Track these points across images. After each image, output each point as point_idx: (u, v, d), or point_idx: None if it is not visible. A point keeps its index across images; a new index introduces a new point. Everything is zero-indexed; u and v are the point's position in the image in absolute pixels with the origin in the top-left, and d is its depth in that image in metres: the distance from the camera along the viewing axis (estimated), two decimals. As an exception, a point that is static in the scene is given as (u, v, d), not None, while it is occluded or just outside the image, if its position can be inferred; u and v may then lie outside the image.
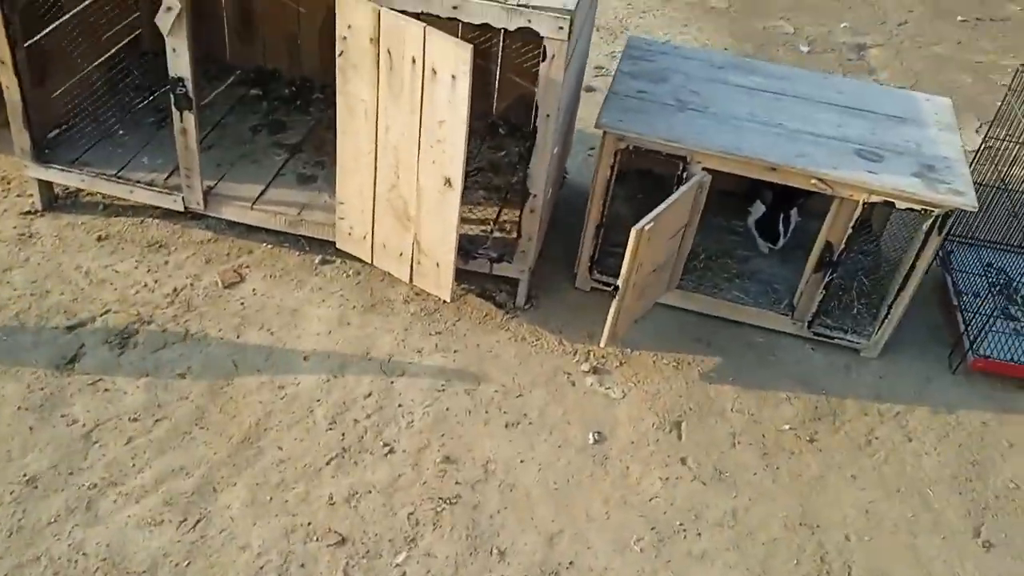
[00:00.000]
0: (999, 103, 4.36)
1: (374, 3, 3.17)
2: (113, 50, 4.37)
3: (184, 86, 3.55)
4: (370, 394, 3.60)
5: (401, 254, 3.76)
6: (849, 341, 4.02)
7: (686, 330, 4.09)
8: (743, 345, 4.05)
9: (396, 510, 3.19)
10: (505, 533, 3.18)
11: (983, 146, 4.39)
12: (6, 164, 4.34)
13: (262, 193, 4.13)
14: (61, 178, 4.05)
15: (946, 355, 4.11)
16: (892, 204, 3.53)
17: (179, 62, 3.50)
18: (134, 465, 3.24)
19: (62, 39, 3.95)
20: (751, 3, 7.10)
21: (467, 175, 4.30)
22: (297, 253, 4.20)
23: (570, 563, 3.12)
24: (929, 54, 6.80)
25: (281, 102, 4.73)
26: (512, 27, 3.18)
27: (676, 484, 3.42)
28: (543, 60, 3.24)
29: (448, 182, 3.36)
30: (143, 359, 3.62)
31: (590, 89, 5.57)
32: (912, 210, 3.53)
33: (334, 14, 3.23)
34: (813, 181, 3.55)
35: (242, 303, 3.92)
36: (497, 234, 4.07)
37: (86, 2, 4.03)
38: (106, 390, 3.49)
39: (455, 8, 3.17)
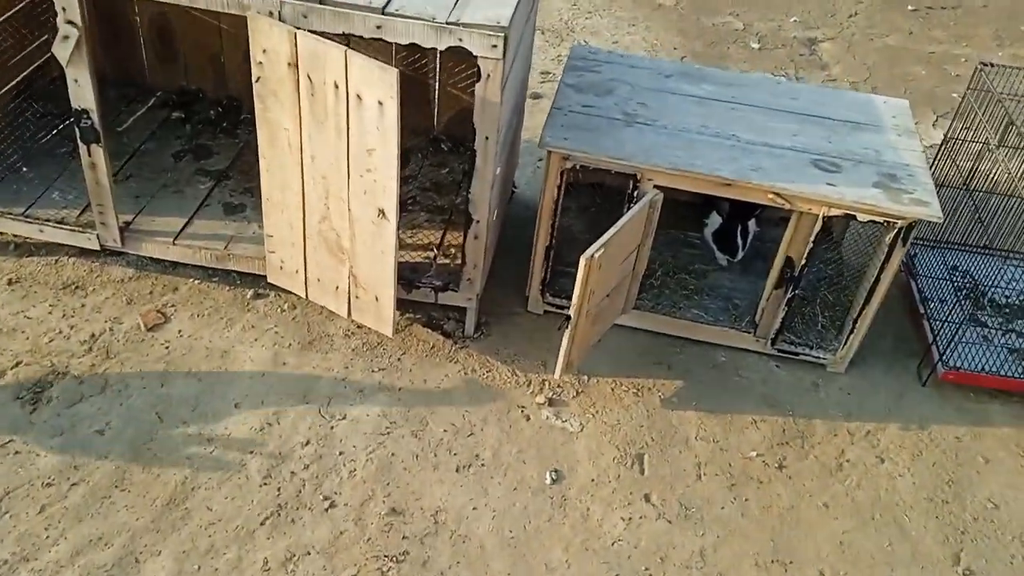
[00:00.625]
0: (956, 96, 4.24)
1: (290, 25, 2.93)
2: (19, 77, 4.07)
3: (89, 118, 3.29)
4: (308, 442, 3.36)
5: (337, 288, 3.53)
6: (815, 357, 3.88)
7: (645, 352, 3.91)
8: (706, 366, 3.89)
9: (338, 573, 2.97)
10: (458, 591, 2.98)
11: (943, 146, 4.27)
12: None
13: (185, 226, 3.87)
14: (-38, 219, 3.76)
15: (915, 366, 3.99)
16: (853, 217, 3.37)
17: (82, 93, 3.24)
18: (48, 537, 2.98)
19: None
20: (699, 0, 6.96)
21: (407, 197, 4.08)
22: (227, 287, 3.95)
23: (529, 621, 2.93)
24: (881, 46, 6.71)
25: (206, 125, 4.47)
26: (442, 47, 2.96)
27: (640, 524, 3.24)
28: (478, 80, 3.03)
29: (382, 213, 3.14)
30: (57, 415, 3.35)
31: (537, 96, 5.38)
32: (875, 222, 3.38)
33: (253, 34, 2.99)
34: (770, 196, 3.38)
35: (167, 347, 3.66)
36: (442, 260, 3.85)
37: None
38: (16, 452, 3.21)
39: (379, 28, 2.95)
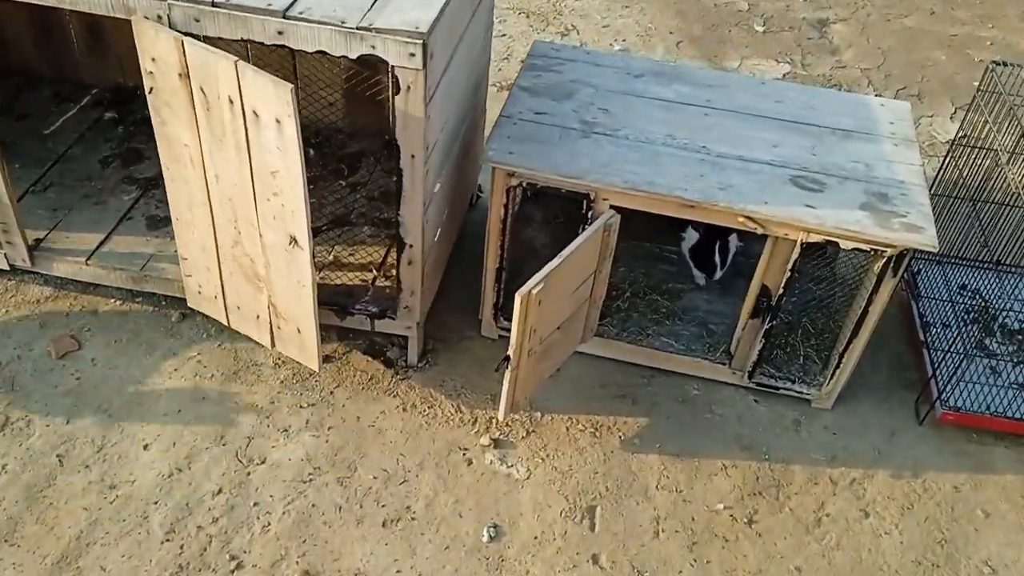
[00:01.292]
0: (976, 86, 3.79)
1: (180, 32, 2.59)
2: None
3: (-24, 131, 2.97)
4: (220, 490, 3.07)
5: (258, 317, 3.22)
6: (798, 392, 3.51)
7: (608, 384, 3.57)
8: (675, 400, 3.54)
9: (238, 649, 2.69)
10: (371, 671, 2.69)
11: (950, 151, 3.85)
12: None
13: (102, 243, 3.57)
14: None
15: (912, 401, 3.61)
16: (836, 244, 2.99)
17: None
18: (-76, 601, 2.72)
19: None
20: (702, -23, 6.51)
21: (351, 209, 3.75)
22: (151, 308, 3.65)
23: None
24: (899, 27, 6.23)
25: (140, 125, 4.15)
26: (353, 55, 2.61)
27: (585, 590, 2.92)
28: (395, 92, 2.68)
29: (294, 241, 2.81)
30: (-51, 459, 3.09)
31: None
32: (860, 251, 3.00)
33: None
34: (740, 219, 3.01)
35: (77, 377, 3.38)
36: (383, 282, 3.52)
37: None
38: (-99, 501, 2.96)
39: (280, 34, 2.60)
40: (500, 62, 5.55)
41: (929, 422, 3.53)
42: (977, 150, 3.67)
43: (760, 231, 3.03)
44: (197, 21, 2.63)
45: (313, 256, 2.84)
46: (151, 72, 2.70)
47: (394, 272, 3.47)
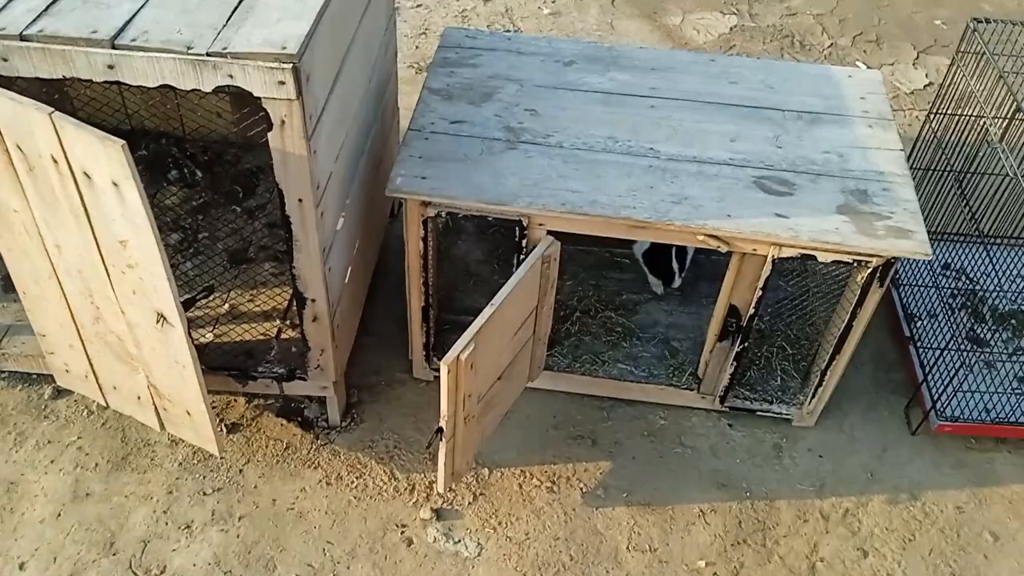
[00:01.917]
0: (940, 24, 3.37)
1: (-24, 74, 2.05)
2: None
3: None
4: (114, 615, 2.61)
5: (139, 398, 2.72)
6: (776, 413, 3.13)
7: (563, 422, 3.16)
8: (640, 435, 3.14)
9: None
10: None
11: (927, 121, 3.45)
12: None
13: (-55, 317, 3.01)
14: None
15: (902, 407, 3.26)
16: (812, 258, 2.58)
17: None
18: None
19: None
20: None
21: (247, 240, 3.24)
22: (19, 386, 3.13)
23: None
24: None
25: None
26: (207, 88, 2.09)
27: None
28: (268, 129, 2.17)
29: (162, 318, 2.31)
30: None
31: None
32: (842, 263, 2.59)
33: None
34: (700, 238, 2.58)
35: (-68, 486, 2.85)
36: (289, 333, 3.03)
37: None
38: None
39: (111, 68, 2.07)
40: (416, 38, 5.01)
41: (923, 430, 3.19)
42: (959, 118, 3.27)
43: (725, 249, 2.60)
44: (5, 60, 2.08)
45: (188, 333, 2.35)
46: (-48, 128, 2.16)
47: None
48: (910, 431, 3.21)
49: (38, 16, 2.09)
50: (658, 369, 3.17)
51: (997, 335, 3.40)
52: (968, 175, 3.45)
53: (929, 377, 3.17)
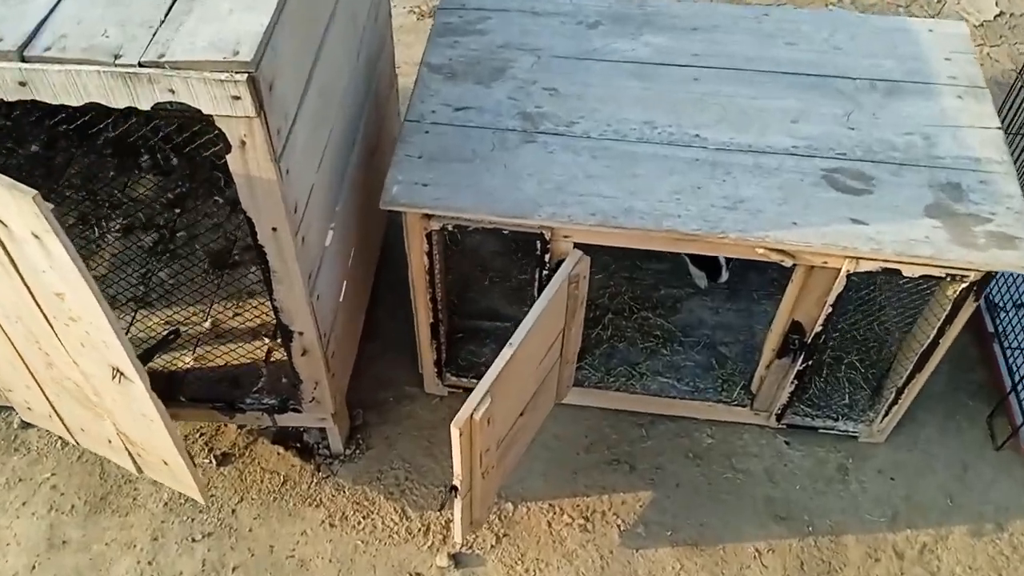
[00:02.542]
0: None
1: None
2: None
3: None
4: None
5: (110, 442, 2.40)
6: (842, 431, 2.76)
7: (596, 444, 2.81)
8: (684, 457, 2.79)
9: None
10: None
11: (1021, 78, 2.95)
12: None
13: None
14: None
15: (984, 416, 2.87)
16: (897, 272, 2.16)
17: None
18: None
19: None
20: None
21: (229, 243, 2.88)
22: (-15, 415, 2.82)
23: None
24: None
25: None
26: (145, 105, 1.69)
27: None
28: (225, 151, 1.77)
29: (119, 373, 1.96)
30: None
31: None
32: (932, 277, 2.17)
33: None
34: (760, 252, 2.16)
35: None
36: (280, 355, 2.67)
37: None
38: None
39: (23, 85, 1.66)
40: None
41: (1010, 445, 2.80)
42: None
43: (790, 263, 2.18)
44: None
45: (149, 388, 1.99)
46: None
47: (293, 343, 2.62)
48: (994, 446, 2.82)
49: (-71, 21, 1.69)
50: (704, 381, 2.79)
51: (1096, 326, 2.96)
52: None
53: (1016, 376, 2.76)
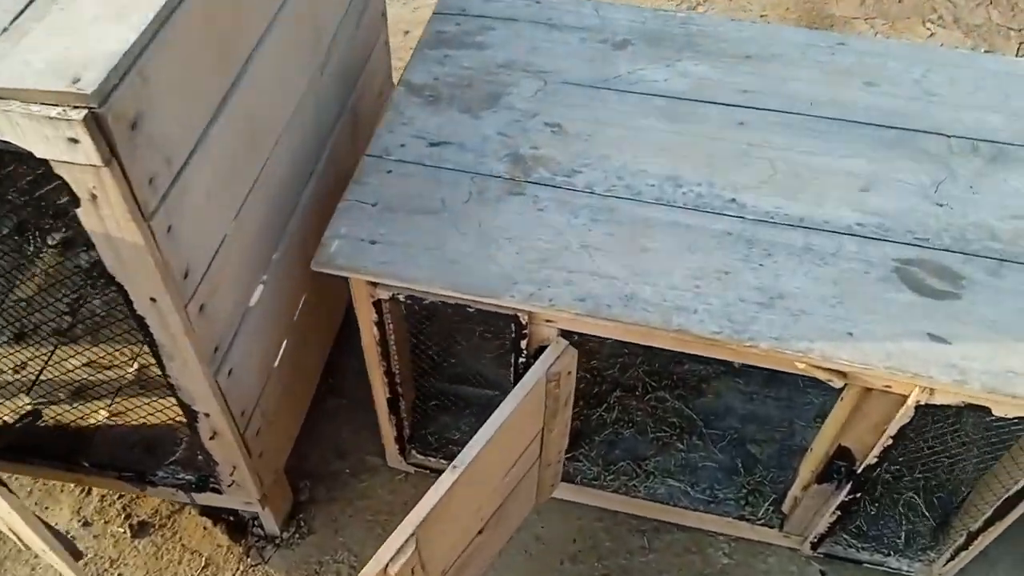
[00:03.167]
0: None
1: None
2: None
3: None
4: None
5: (-14, 518, 2.00)
6: (893, 569, 2.24)
7: (585, 553, 2.35)
8: (692, 578, 2.30)
9: None
10: None
11: None
12: None
13: None
14: None
15: (1077, 558, 2.33)
16: (985, 410, 1.64)
17: None
18: None
19: None
20: None
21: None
22: None
23: None
24: None
25: None
26: (-46, 142, 1.26)
27: None
28: (74, 205, 1.34)
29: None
30: None
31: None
32: (1030, 423, 1.65)
33: None
34: (801, 367, 1.66)
35: None
36: (211, 414, 2.25)
37: None
38: None
39: None
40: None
41: (1108, 602, 2.25)
42: None
43: (840, 384, 1.68)
44: None
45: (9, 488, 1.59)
46: None
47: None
48: (1088, 600, 2.28)
49: None
50: (725, 490, 2.30)
51: None
52: None
53: None
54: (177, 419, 1.95)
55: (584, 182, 1.87)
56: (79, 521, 2.36)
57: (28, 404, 2.22)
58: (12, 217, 2.61)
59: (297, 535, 2.36)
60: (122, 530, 2.35)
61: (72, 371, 2.26)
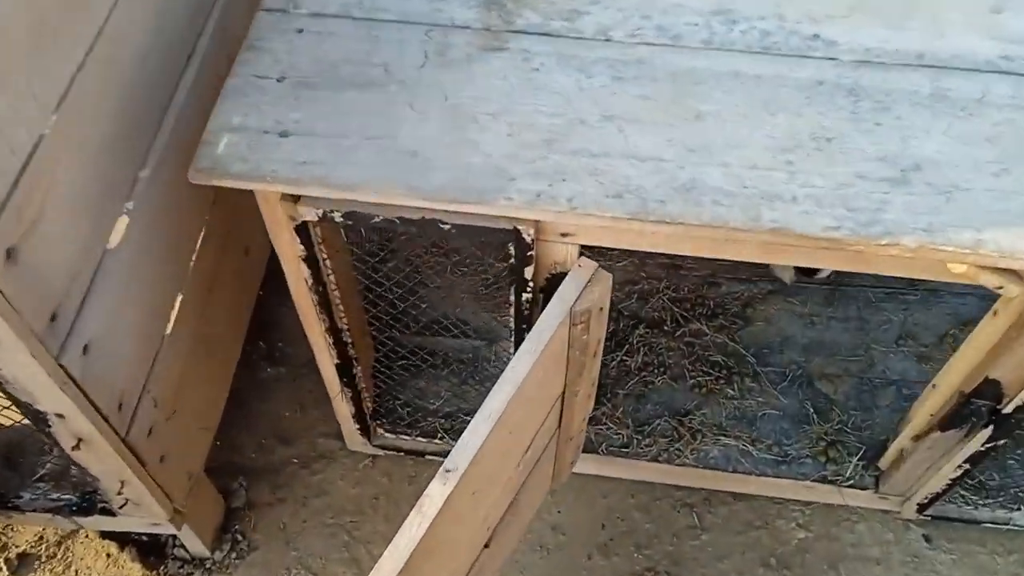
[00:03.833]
0: None
1: None
2: None
3: None
4: None
5: None
6: (1021, 526, 1.74)
7: (620, 542, 1.82)
8: (761, 567, 1.78)
9: None
10: None
11: None
12: None
13: None
14: None
15: None
16: None
17: None
18: None
19: None
20: None
21: None
22: None
23: None
24: None
25: None
26: None
27: None
28: None
29: None
30: None
31: None
32: None
33: None
34: (959, 270, 1.10)
35: None
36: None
37: None
38: None
39: None
40: None
41: None
42: None
43: (1017, 293, 1.13)
44: None
45: None
46: None
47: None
48: None
49: None
50: (797, 445, 1.77)
51: None
52: None
53: None
54: (23, 423, 1.35)
55: (594, 27, 1.28)
56: (-66, 563, 1.78)
57: None
58: None
59: (234, 554, 1.80)
60: (-3, 568, 1.78)
61: None
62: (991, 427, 1.42)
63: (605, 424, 1.78)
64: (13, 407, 1.43)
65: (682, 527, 1.83)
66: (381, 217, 1.17)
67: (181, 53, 1.39)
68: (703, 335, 1.91)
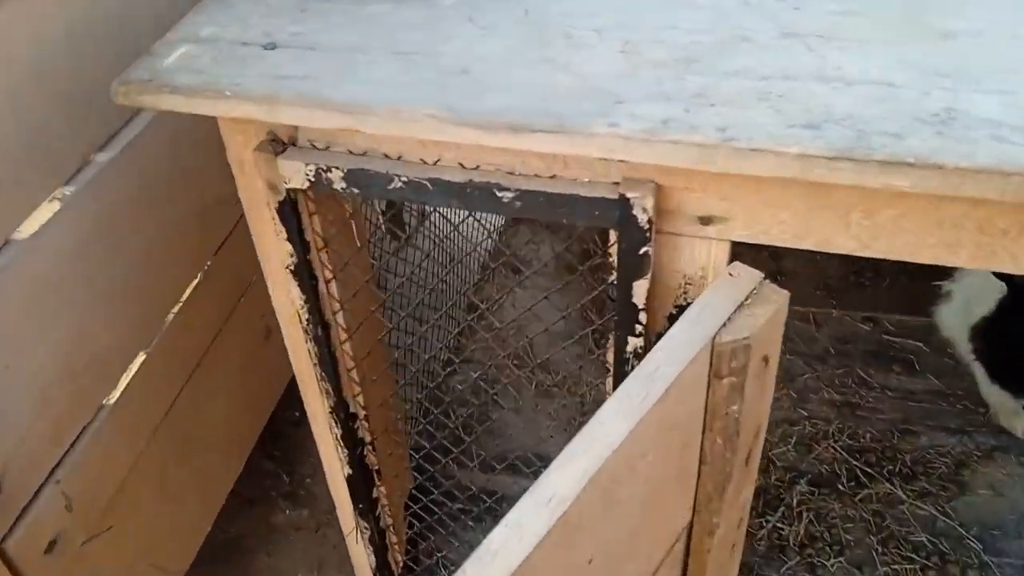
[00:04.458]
0: None
1: None
2: None
3: None
4: None
5: None
6: None
7: None
8: None
9: None
10: None
11: None
12: None
13: None
14: None
15: None
16: None
17: None
18: None
19: None
20: None
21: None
22: None
23: None
24: None
25: None
26: None
27: None
28: None
29: None
30: None
31: None
32: None
33: None
34: None
35: None
36: None
37: None
38: None
39: None
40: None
41: None
42: None
43: None
44: None
45: None
46: None
47: None
48: None
49: None
50: None
51: None
52: None
53: None
54: None
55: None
56: None
57: None
58: None
59: None
60: None
61: None
62: None
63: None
64: None
65: None
66: (403, 180, 0.71)
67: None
68: (898, 502, 1.32)
